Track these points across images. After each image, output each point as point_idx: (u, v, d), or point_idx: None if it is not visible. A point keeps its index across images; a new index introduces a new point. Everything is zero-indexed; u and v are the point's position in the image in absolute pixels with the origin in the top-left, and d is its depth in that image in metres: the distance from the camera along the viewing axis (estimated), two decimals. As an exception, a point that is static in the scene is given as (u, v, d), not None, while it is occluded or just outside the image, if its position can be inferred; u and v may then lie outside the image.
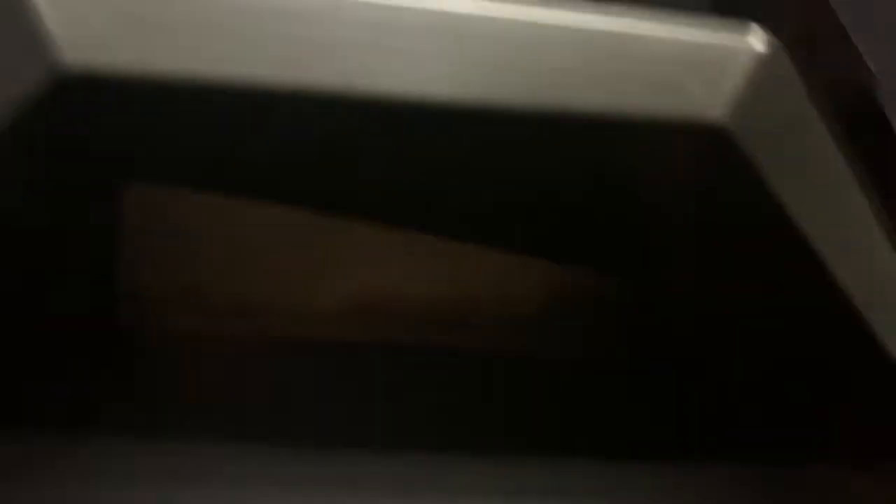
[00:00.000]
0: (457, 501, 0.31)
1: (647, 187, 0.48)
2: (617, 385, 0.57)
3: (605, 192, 0.49)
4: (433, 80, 0.41)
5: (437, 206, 0.53)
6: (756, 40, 0.39)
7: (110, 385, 0.51)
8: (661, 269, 0.53)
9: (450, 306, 0.57)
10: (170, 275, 0.55)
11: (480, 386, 0.55)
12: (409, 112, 0.43)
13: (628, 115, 0.42)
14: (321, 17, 0.37)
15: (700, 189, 0.46)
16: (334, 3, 0.36)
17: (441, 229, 0.55)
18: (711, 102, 0.41)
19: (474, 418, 0.51)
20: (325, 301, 0.56)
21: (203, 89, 0.42)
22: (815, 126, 0.36)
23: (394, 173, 0.49)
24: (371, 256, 0.56)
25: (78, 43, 0.35)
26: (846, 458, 0.33)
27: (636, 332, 0.57)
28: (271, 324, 0.56)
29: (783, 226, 0.37)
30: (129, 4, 0.34)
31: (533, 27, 0.39)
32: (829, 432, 0.35)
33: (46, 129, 0.41)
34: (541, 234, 0.55)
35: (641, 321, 0.57)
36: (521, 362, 0.58)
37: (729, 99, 0.41)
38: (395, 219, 0.54)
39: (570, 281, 0.58)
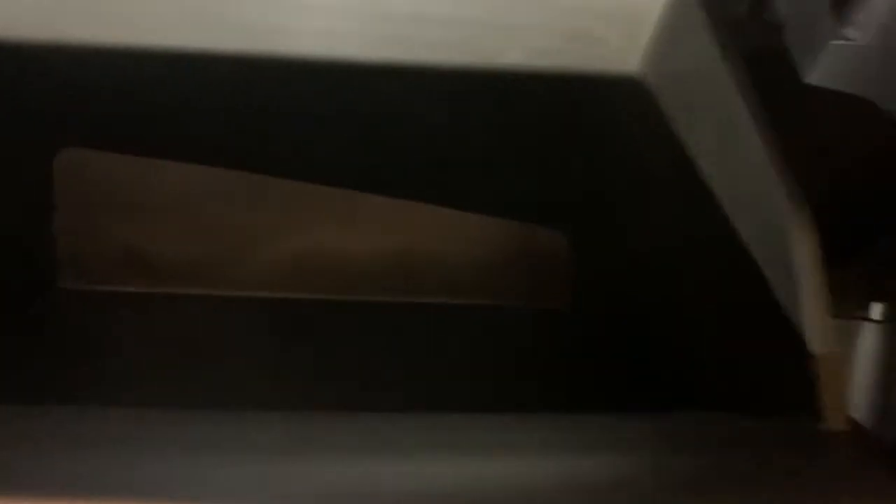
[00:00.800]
0: (410, 456, 0.32)
1: (565, 139, 0.49)
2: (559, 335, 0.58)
3: (522, 145, 0.50)
4: (339, 38, 0.41)
5: (357, 161, 0.54)
6: None
7: (53, 345, 0.51)
8: (586, 219, 0.54)
9: (390, 262, 0.58)
10: (108, 236, 0.55)
11: (428, 339, 0.56)
12: (324, 69, 0.43)
13: (543, 68, 0.43)
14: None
15: (617, 141, 0.47)
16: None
17: (367, 185, 0.55)
18: (626, 54, 0.42)
19: (426, 372, 0.52)
20: (265, 260, 0.57)
21: (117, 54, 0.42)
22: (721, 74, 0.36)
23: (313, 131, 0.49)
24: (306, 215, 0.57)
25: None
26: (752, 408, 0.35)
27: (569, 281, 0.58)
28: (212, 283, 0.56)
29: (691, 176, 0.38)
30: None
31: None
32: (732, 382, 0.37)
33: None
34: (465, 188, 0.56)
35: (568, 270, 0.58)
36: (463, 314, 0.59)
37: (643, 49, 0.42)
38: (319, 176, 0.55)
39: (505, 233, 0.59)
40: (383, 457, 0.30)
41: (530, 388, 0.53)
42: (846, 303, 0.51)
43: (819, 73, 0.37)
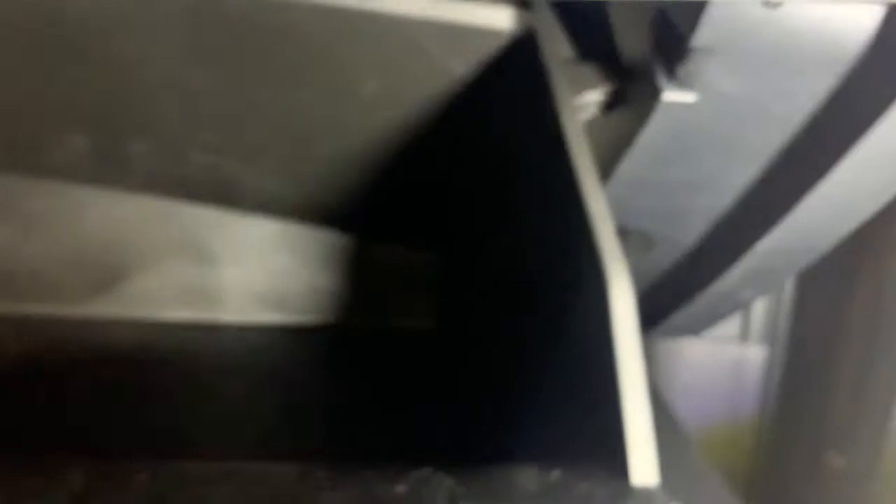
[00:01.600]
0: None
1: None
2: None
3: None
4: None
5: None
6: (508, 18, 0.38)
7: None
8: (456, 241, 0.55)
9: (257, 284, 0.58)
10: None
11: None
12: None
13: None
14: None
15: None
16: None
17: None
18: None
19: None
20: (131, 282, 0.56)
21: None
22: (556, 117, 0.37)
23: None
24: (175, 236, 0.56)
25: None
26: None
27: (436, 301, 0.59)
28: (70, 304, 0.55)
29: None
30: None
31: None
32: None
33: None
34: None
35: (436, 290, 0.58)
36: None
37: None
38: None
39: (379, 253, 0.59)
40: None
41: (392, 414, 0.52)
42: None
43: (649, 128, 0.37)
